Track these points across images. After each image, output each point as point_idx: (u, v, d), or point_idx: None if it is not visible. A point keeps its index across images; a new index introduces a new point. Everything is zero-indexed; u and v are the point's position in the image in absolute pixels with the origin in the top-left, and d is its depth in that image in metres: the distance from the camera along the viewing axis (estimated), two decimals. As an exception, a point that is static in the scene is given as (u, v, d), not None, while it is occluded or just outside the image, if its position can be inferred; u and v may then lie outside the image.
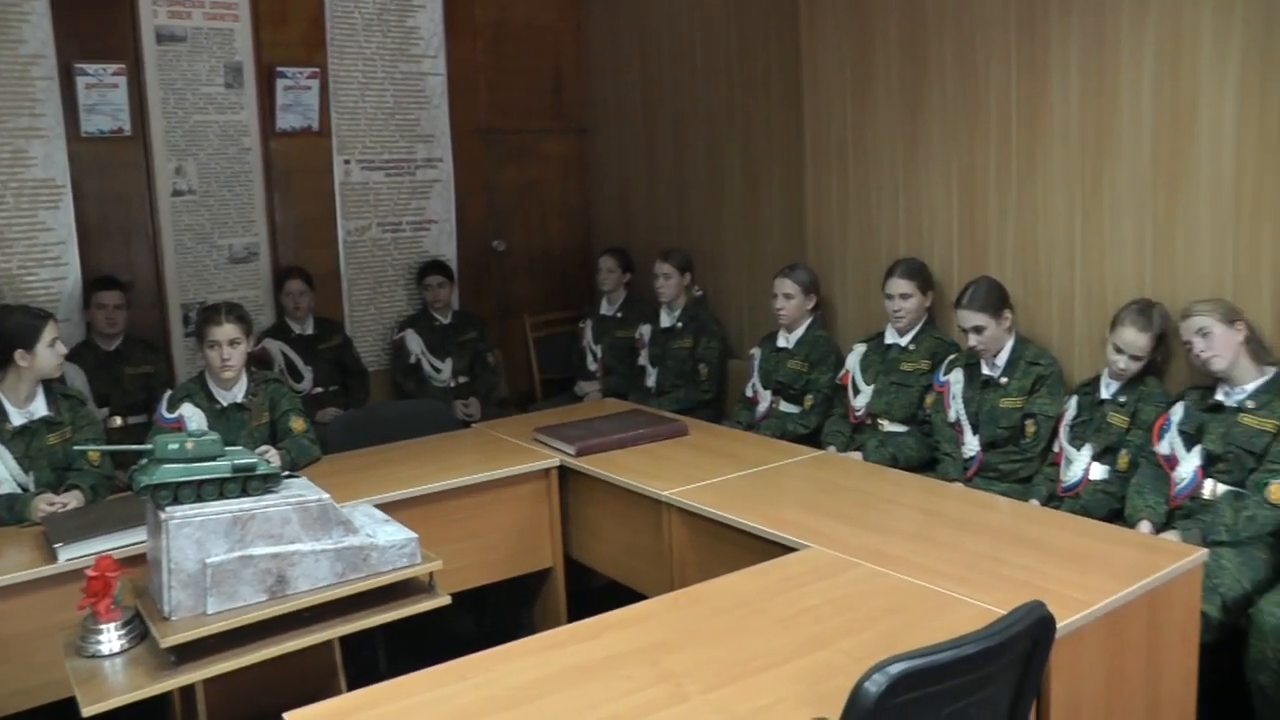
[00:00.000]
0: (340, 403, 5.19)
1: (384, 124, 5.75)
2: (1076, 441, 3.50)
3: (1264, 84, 3.23)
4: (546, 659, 2.05)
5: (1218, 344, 3.15)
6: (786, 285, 4.43)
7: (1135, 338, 3.39)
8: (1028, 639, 1.87)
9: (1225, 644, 2.89)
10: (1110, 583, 2.29)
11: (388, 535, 2.61)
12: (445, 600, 2.63)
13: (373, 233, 5.77)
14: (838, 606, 2.24)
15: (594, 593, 3.75)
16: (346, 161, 5.65)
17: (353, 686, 1.97)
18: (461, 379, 5.49)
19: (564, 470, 3.61)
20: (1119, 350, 3.41)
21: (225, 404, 3.67)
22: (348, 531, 2.55)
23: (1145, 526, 3.12)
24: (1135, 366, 3.41)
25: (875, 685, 1.62)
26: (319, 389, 5.19)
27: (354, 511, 2.75)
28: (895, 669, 1.64)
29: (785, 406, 4.44)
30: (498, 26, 6.08)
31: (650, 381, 5.15)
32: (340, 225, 5.66)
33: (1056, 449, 3.58)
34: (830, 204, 4.69)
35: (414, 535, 2.63)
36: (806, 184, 4.80)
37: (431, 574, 2.63)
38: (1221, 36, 3.31)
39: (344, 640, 2.55)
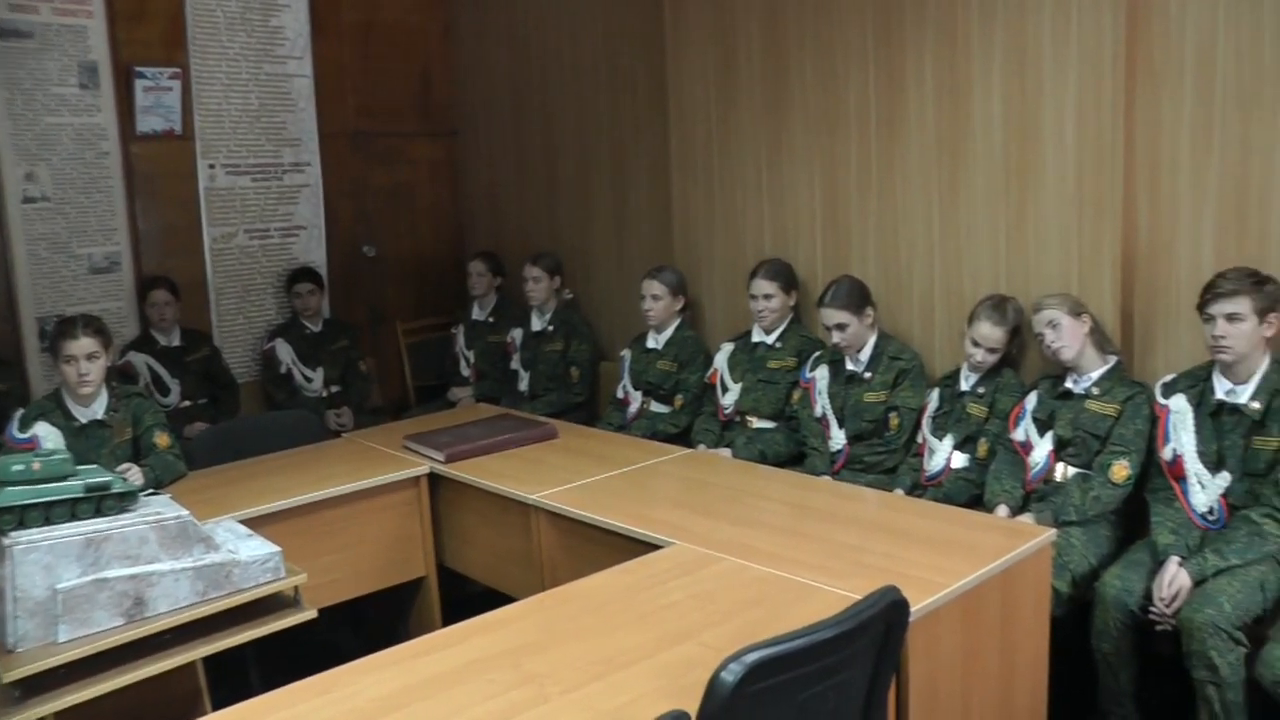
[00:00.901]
0: (209, 416, 5.05)
1: (249, 127, 5.60)
2: (938, 432, 3.63)
3: (1098, 92, 3.40)
4: (411, 668, 2.03)
5: (1066, 335, 3.31)
6: (654, 286, 4.48)
7: (991, 331, 3.52)
8: (882, 622, 1.92)
9: (1075, 616, 3.04)
10: (966, 565, 2.37)
11: (250, 551, 2.57)
12: (311, 614, 2.59)
13: (240, 240, 5.62)
14: (700, 600, 2.27)
15: (471, 600, 3.71)
16: (211, 166, 5.49)
17: (224, 707, 1.91)
18: (334, 388, 5.40)
19: (434, 477, 3.58)
20: (976, 344, 3.54)
21: (84, 421, 3.53)
22: (209, 549, 2.50)
23: (1003, 510, 3.27)
24: (992, 359, 3.55)
25: (731, 675, 1.64)
26: (187, 402, 5.05)
27: (216, 528, 2.70)
28: (750, 658, 1.66)
29: (656, 407, 4.48)
30: (365, 27, 5.99)
31: (523, 385, 5.16)
32: (206, 232, 5.50)
33: (920, 440, 3.71)
34: (697, 206, 4.76)
35: (277, 549, 2.58)
36: (673, 187, 4.86)
37: (297, 588, 2.58)
38: (1061, 46, 3.48)
39: (215, 661, 2.50)
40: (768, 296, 4.17)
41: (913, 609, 2.08)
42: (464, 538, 3.56)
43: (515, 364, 5.25)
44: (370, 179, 6.10)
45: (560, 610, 2.28)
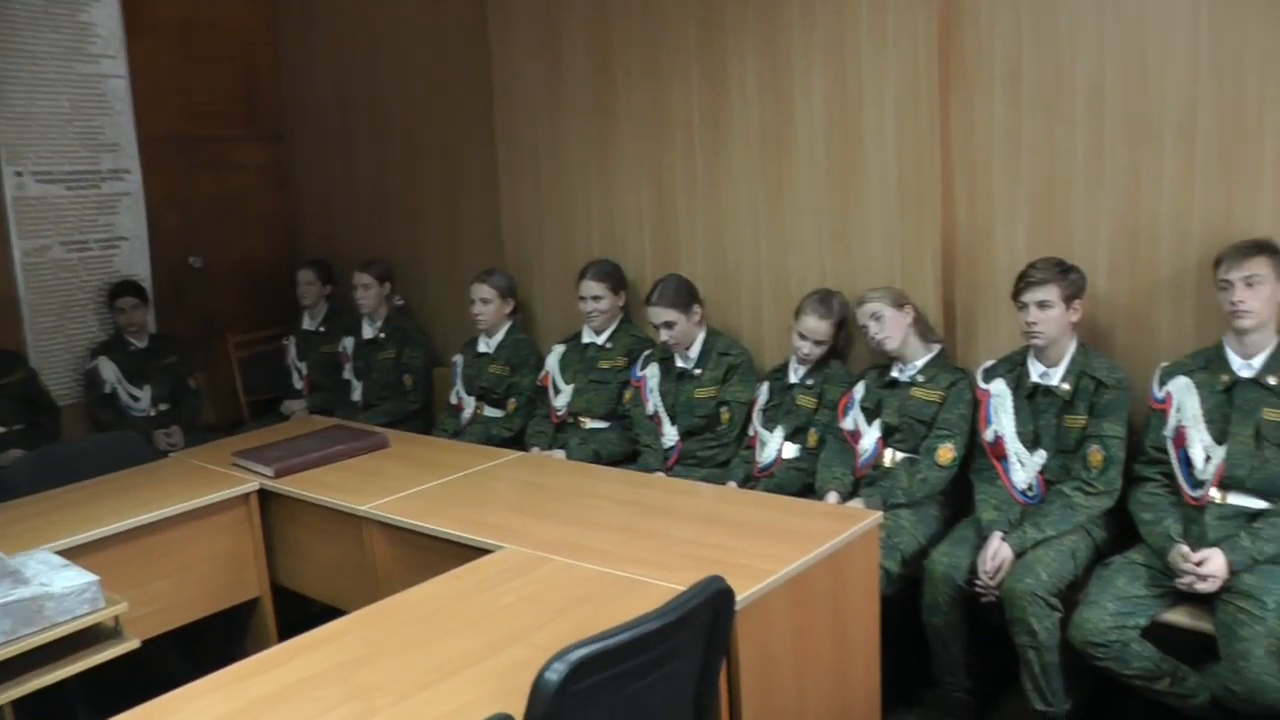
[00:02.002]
0: (28, 443, 4.75)
1: (61, 131, 5.26)
2: (769, 424, 3.72)
3: (915, 95, 3.54)
4: (238, 691, 1.97)
5: (889, 326, 3.43)
6: (484, 290, 4.45)
7: (816, 325, 3.61)
8: (708, 611, 1.95)
9: (907, 593, 3.15)
10: (794, 551, 2.41)
11: (65, 582, 2.43)
12: (133, 644, 2.49)
13: (55, 253, 5.29)
14: (530, 602, 2.27)
15: (312, 619, 3.59)
16: (19, 174, 5.13)
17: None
18: (162, 406, 5.18)
19: (265, 494, 3.46)
20: (803, 337, 3.63)
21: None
22: (17, 583, 2.36)
23: (833, 496, 3.37)
24: (818, 351, 3.64)
25: (555, 673, 1.65)
26: (1, 429, 4.75)
27: (27, 560, 2.55)
28: (575, 655, 1.67)
29: (489, 411, 4.46)
30: (183, 24, 5.70)
31: (356, 395, 5.06)
32: (16, 245, 5.14)
33: (751, 433, 3.79)
34: (526, 209, 4.76)
35: (94, 579, 2.46)
36: (502, 190, 4.85)
37: (118, 618, 2.46)
38: (878, 51, 3.61)
39: (37, 701, 2.36)
40: (596, 298, 4.20)
41: (741, 596, 2.11)
42: (298, 554, 3.46)
43: (348, 374, 5.15)
44: (196, 186, 5.84)
45: (390, 621, 2.24)
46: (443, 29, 5.10)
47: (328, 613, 3.40)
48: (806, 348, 3.65)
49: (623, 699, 1.81)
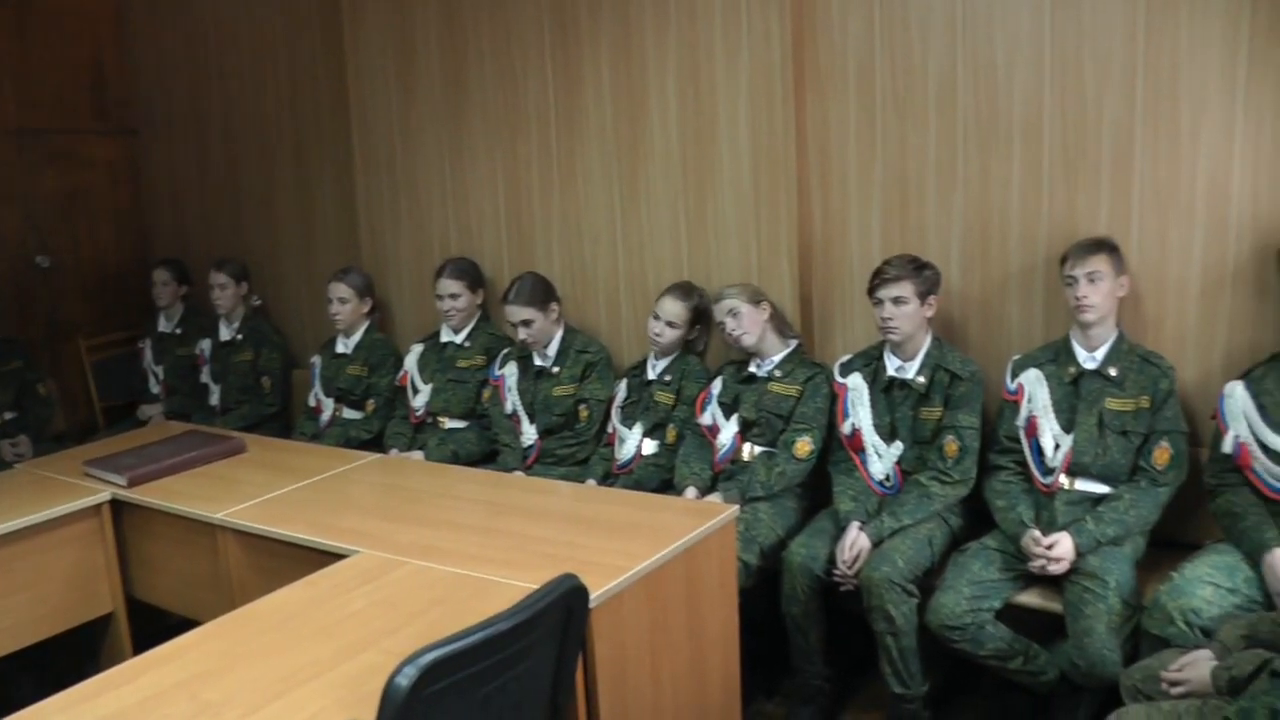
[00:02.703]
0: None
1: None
2: (628, 421, 3.74)
3: (769, 96, 3.61)
4: (82, 711, 1.90)
5: (746, 322, 3.47)
6: (340, 289, 4.38)
7: (673, 305, 3.67)
8: (561, 609, 1.96)
9: (766, 585, 3.21)
10: (649, 547, 2.44)
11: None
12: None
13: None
14: (383, 607, 2.24)
15: (170, 632, 3.49)
16: None
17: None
18: (8, 415, 4.92)
19: (119, 504, 3.34)
20: (657, 318, 3.66)
21: None
22: None
23: (691, 492, 3.40)
24: (673, 335, 3.67)
25: (406, 678, 1.64)
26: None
27: None
28: (425, 659, 1.66)
29: (348, 413, 4.40)
30: (21, 8, 5.38)
31: (214, 399, 4.92)
32: None
33: (610, 430, 3.80)
34: (382, 206, 4.70)
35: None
36: (358, 187, 4.77)
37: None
38: (733, 52, 3.66)
39: None
40: (454, 295, 4.17)
41: (595, 593, 2.13)
42: (152, 566, 3.35)
43: (205, 377, 5.00)
44: (40, 182, 5.53)
45: (241, 631, 2.20)
46: (297, 23, 4.99)
47: (185, 626, 3.30)
48: (658, 328, 3.67)
49: (476, 701, 1.81)
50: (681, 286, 3.74)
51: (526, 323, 3.83)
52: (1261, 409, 2.81)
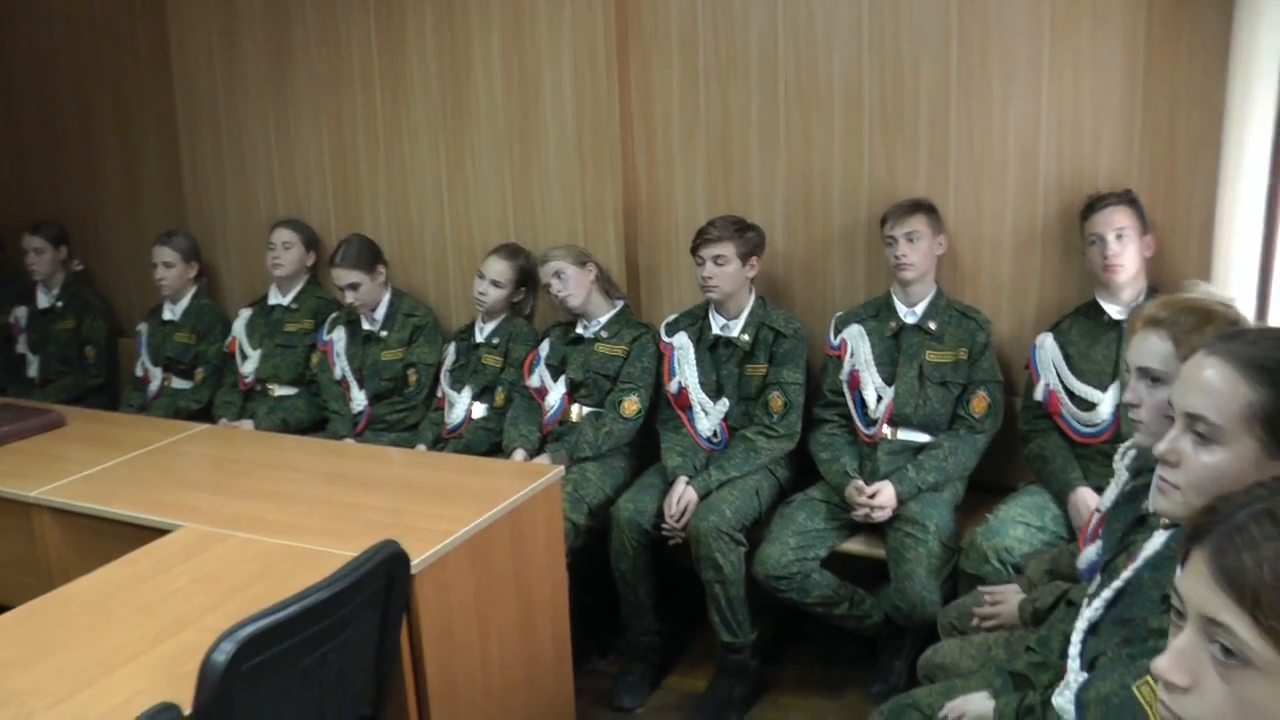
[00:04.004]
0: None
1: None
2: (457, 385, 3.75)
3: (593, 59, 3.65)
4: None
5: (572, 284, 3.51)
6: (165, 253, 4.25)
7: (498, 265, 3.68)
8: (381, 576, 1.98)
9: (597, 544, 3.28)
10: (472, 510, 2.47)
11: None
12: None
13: None
14: (205, 583, 2.21)
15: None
16: None
17: None
18: None
19: (-79, 486, 3.17)
20: (482, 277, 3.67)
21: None
22: None
23: (520, 454, 3.43)
24: (498, 295, 3.69)
25: (223, 654, 1.63)
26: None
27: None
28: (243, 633, 1.66)
29: (177, 383, 4.28)
30: None
31: (32, 371, 4.70)
32: None
33: (439, 394, 3.80)
34: (207, 169, 4.55)
35: None
36: (183, 147, 4.60)
37: None
38: (555, 14, 3.68)
39: None
40: (286, 245, 4.12)
41: (418, 559, 2.16)
42: (-38, 551, 3.21)
43: (22, 347, 4.76)
44: None
45: (54, 616, 2.13)
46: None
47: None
48: (484, 287, 3.68)
49: (297, 674, 1.81)
50: (508, 247, 3.76)
51: (353, 285, 3.80)
52: (1068, 359, 3.02)
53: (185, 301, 4.31)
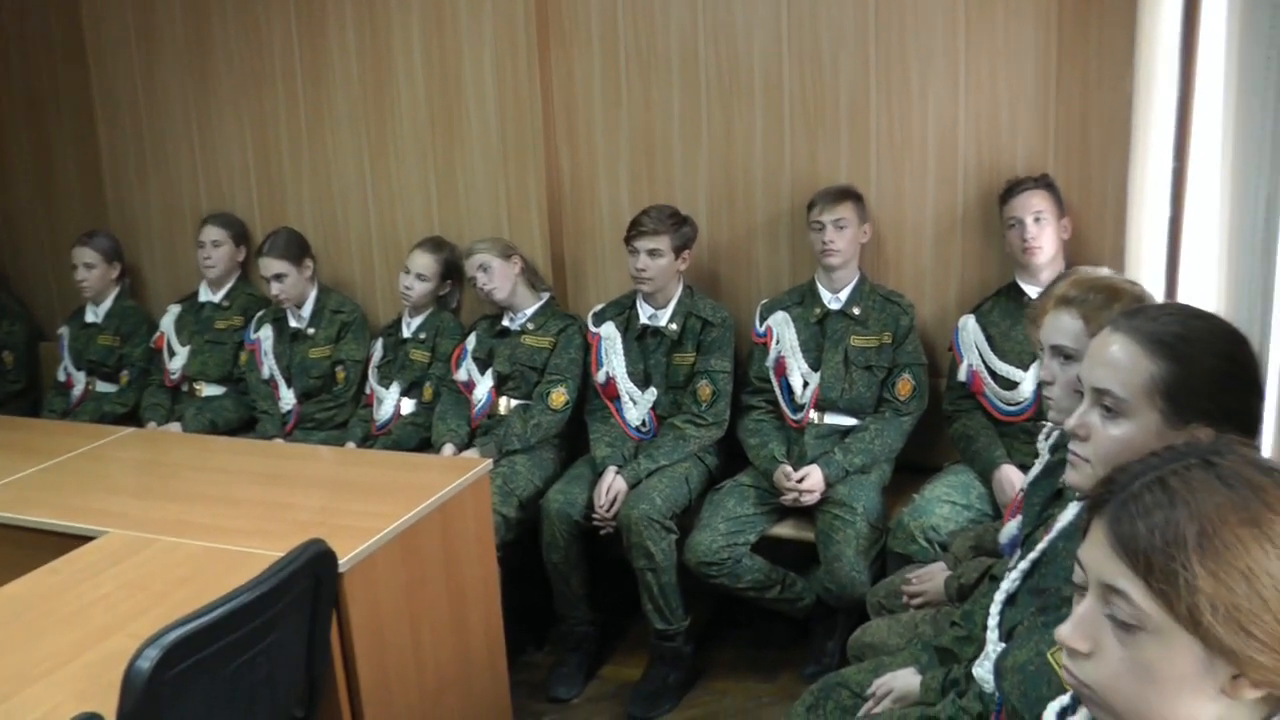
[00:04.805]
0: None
1: None
2: (385, 381, 3.73)
3: (514, 52, 3.66)
4: None
5: (497, 277, 3.52)
6: (85, 254, 4.17)
7: (423, 258, 3.68)
8: (308, 576, 1.97)
9: (529, 536, 3.29)
10: (401, 506, 2.46)
11: None
12: None
13: None
14: (131, 589, 2.18)
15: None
16: None
17: None
18: None
19: None
20: (408, 271, 3.67)
21: None
22: None
23: (449, 449, 3.43)
24: (424, 288, 3.69)
25: (148, 660, 1.61)
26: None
27: None
28: (168, 639, 1.64)
29: (102, 386, 4.22)
30: None
31: (-54, 379, 4.59)
32: None
33: (368, 391, 3.79)
34: (127, 166, 4.47)
35: None
36: (100, 146, 4.51)
37: None
38: (475, 6, 3.68)
39: None
40: (215, 243, 4.07)
41: (346, 557, 2.16)
42: None
43: (-66, 354, 4.65)
44: None
45: (-32, 630, 2.08)
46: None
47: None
48: (409, 281, 3.68)
49: (225, 678, 1.80)
50: (432, 240, 3.76)
51: (279, 276, 3.76)
52: (989, 339, 3.09)
53: (108, 303, 4.24)
